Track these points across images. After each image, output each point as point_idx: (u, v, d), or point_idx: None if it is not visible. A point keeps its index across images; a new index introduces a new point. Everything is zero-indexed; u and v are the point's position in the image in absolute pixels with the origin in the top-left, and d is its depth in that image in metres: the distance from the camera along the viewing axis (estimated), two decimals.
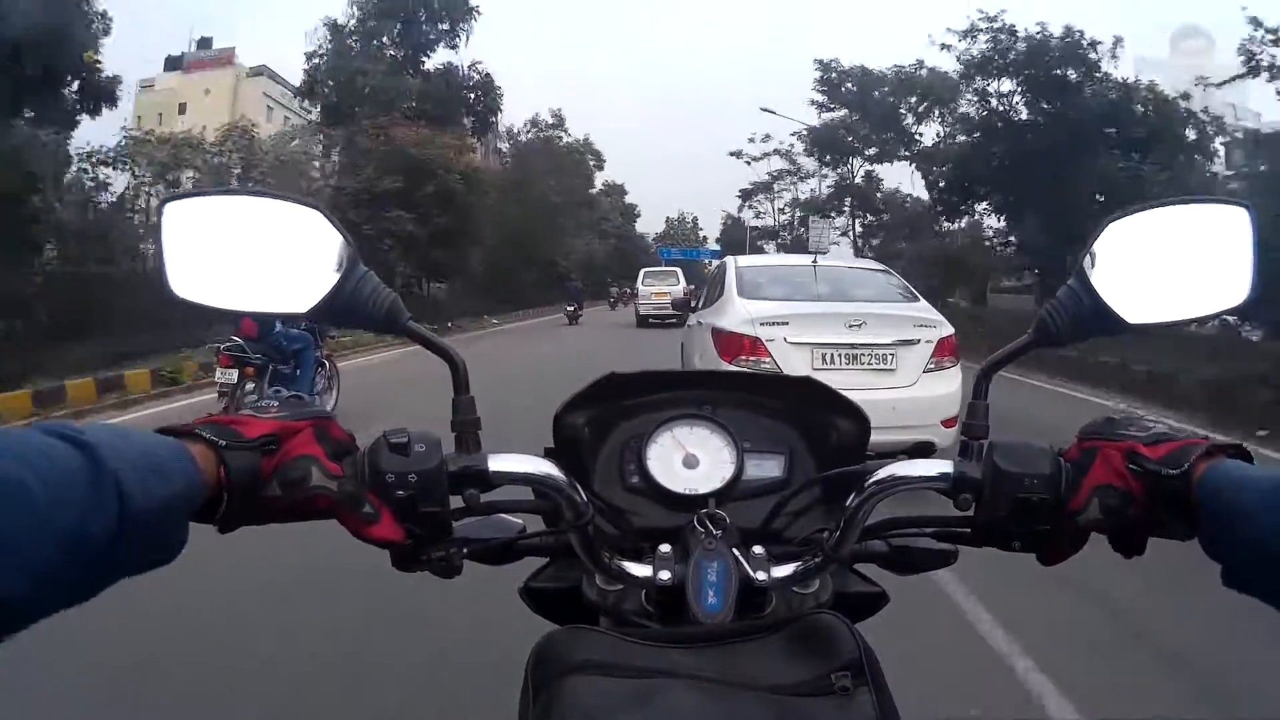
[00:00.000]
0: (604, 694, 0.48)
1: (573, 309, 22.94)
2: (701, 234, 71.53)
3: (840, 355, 4.44)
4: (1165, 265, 0.60)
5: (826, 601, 0.70)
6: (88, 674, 2.28)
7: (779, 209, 45.00)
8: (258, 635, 2.67)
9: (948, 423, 4.31)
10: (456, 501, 0.61)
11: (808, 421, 0.82)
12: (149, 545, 0.44)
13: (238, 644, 2.60)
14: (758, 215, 45.07)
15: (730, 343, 4.50)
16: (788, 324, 4.46)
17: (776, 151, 41.15)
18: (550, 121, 40.32)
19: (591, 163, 46.76)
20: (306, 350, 5.98)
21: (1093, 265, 0.60)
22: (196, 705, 2.22)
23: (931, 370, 4.45)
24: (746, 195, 45.20)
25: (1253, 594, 0.48)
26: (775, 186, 42.78)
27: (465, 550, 0.64)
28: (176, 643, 2.59)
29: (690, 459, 0.77)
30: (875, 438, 0.80)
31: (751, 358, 4.40)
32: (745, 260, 5.89)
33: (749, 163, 42.04)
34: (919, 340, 4.46)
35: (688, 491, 0.75)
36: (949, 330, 4.58)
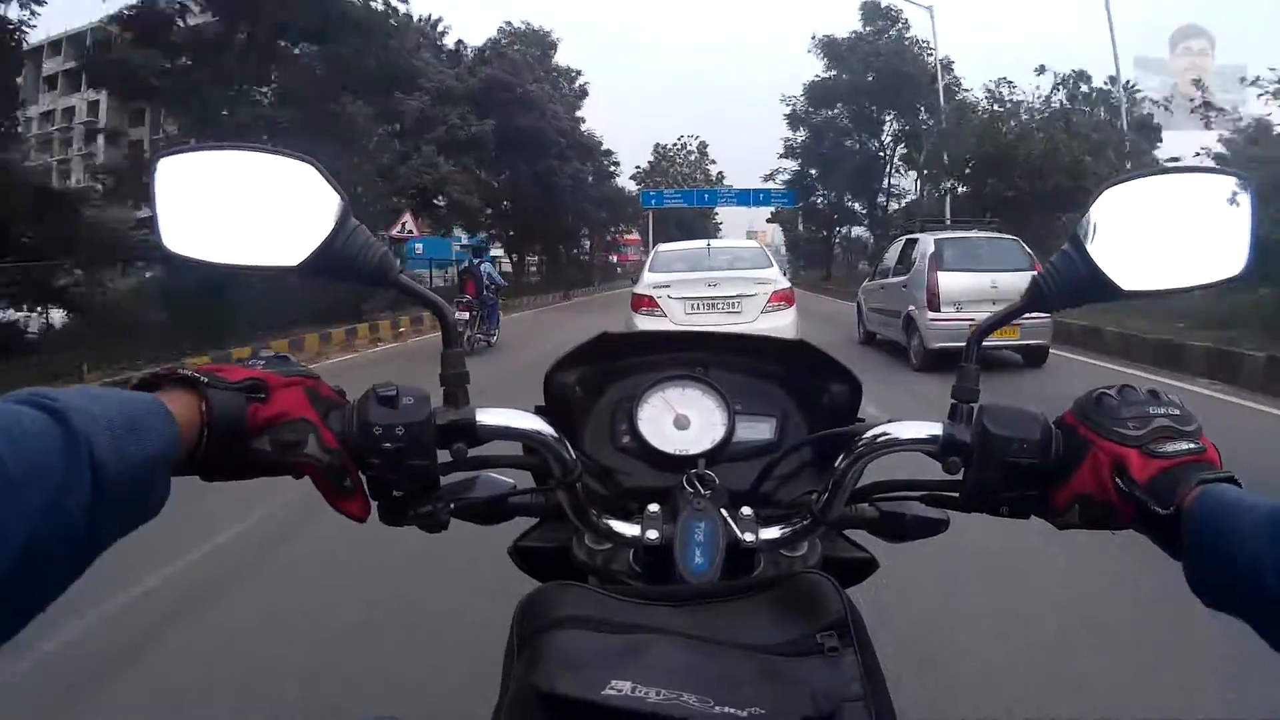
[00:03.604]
0: (589, 648, 0.48)
1: None
2: (714, 169, 46.80)
3: (703, 304, 7.15)
4: (1162, 233, 0.59)
5: (814, 565, 0.69)
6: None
7: None
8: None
9: None
10: (445, 457, 0.61)
11: (800, 385, 0.81)
12: (127, 508, 0.43)
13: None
14: None
15: (637, 300, 7.29)
16: (669, 286, 7.20)
17: None
18: None
19: None
20: (496, 304, 11.36)
21: (1088, 230, 0.59)
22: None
23: (769, 311, 7.02)
24: None
25: (1235, 615, 0.47)
26: None
27: (452, 505, 0.64)
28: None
29: (681, 420, 0.76)
30: None
31: (648, 309, 7.15)
32: (664, 247, 8.88)
33: None
34: (756, 293, 7.09)
35: (678, 452, 0.75)
36: (784, 285, 7.34)
